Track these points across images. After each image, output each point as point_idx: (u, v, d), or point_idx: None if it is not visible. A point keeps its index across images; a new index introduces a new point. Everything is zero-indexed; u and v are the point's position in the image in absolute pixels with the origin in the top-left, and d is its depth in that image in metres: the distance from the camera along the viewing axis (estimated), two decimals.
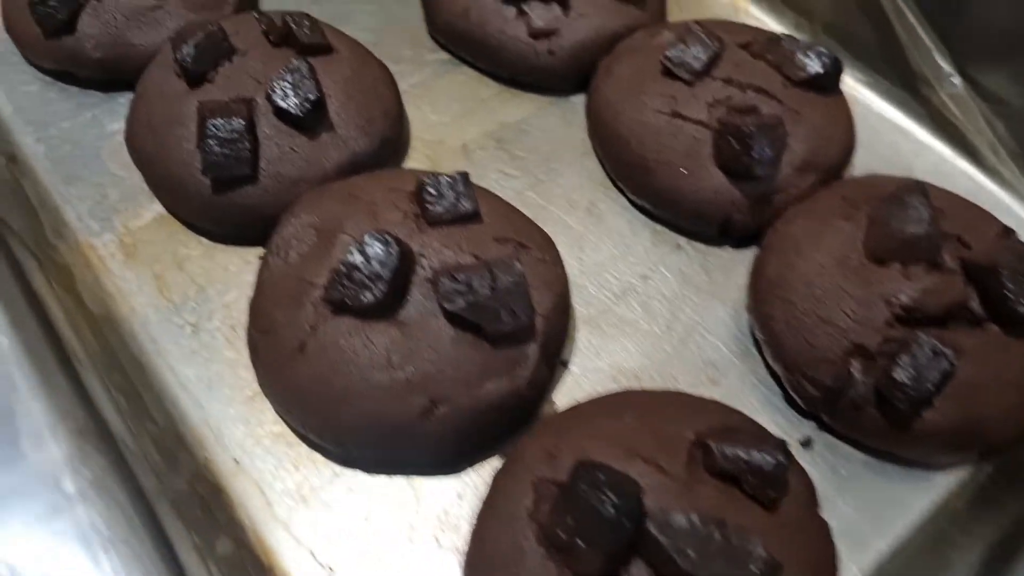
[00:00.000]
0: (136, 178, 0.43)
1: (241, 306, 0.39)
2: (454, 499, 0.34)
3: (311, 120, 0.40)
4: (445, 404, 0.33)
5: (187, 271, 0.40)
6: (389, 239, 0.33)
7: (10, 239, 0.32)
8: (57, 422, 0.26)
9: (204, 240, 0.41)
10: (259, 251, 0.41)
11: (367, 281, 0.33)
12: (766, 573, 0.26)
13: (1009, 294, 0.34)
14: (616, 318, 0.39)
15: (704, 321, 0.39)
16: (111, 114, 0.46)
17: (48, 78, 0.47)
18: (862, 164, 0.44)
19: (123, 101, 0.46)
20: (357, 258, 0.33)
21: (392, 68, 0.46)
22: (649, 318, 0.39)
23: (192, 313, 0.39)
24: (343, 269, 0.33)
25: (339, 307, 0.33)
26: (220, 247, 0.41)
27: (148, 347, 0.37)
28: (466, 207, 0.36)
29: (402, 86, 0.45)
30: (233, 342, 0.38)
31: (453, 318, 0.33)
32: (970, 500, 0.35)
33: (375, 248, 0.33)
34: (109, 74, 0.46)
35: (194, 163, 0.39)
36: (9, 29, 0.47)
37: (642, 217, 0.43)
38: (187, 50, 0.40)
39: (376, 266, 0.33)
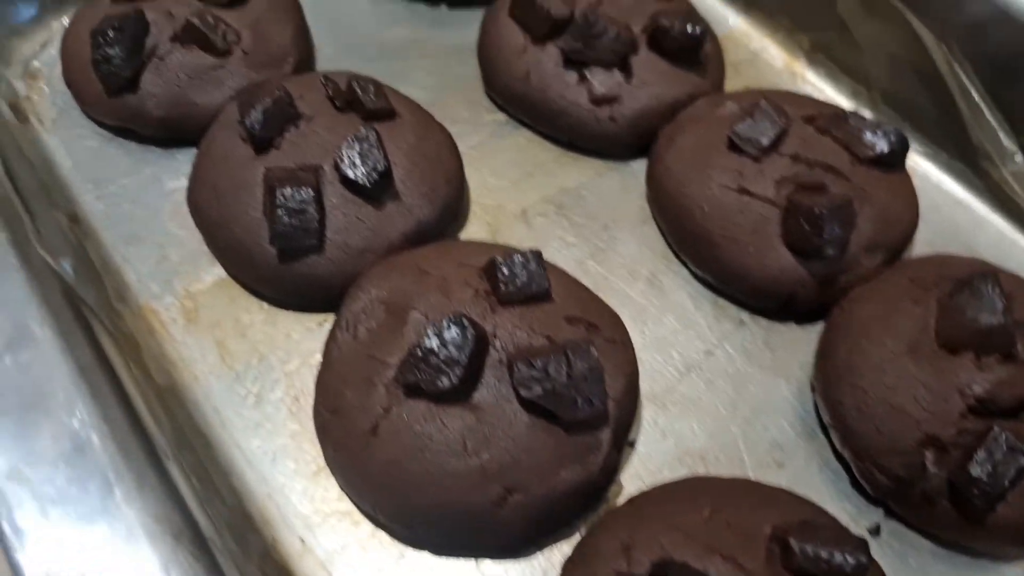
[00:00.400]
0: (196, 239, 0.43)
1: (303, 375, 0.39)
2: None
3: (378, 190, 0.39)
4: (520, 492, 0.33)
5: (249, 338, 0.40)
6: (466, 323, 0.33)
7: (85, 312, 0.32)
8: (150, 523, 0.25)
9: (265, 305, 0.41)
10: (320, 318, 0.41)
11: (443, 366, 0.33)
12: None
13: None
14: (681, 396, 0.39)
15: (769, 400, 0.39)
16: (171, 171, 0.46)
17: (108, 133, 0.47)
18: (923, 238, 0.44)
19: (182, 158, 0.46)
20: (434, 342, 0.33)
21: (450, 128, 0.46)
22: (713, 396, 0.39)
23: (255, 382, 0.39)
24: (419, 353, 0.33)
25: (414, 390, 0.33)
26: (281, 312, 0.41)
27: (212, 419, 0.37)
28: (538, 287, 0.36)
29: (461, 147, 0.45)
30: (296, 414, 0.38)
31: (528, 404, 0.33)
32: None
33: (452, 332, 0.33)
34: (170, 132, 0.46)
35: (260, 231, 0.39)
36: (70, 84, 0.47)
37: (704, 289, 0.43)
38: (255, 116, 0.40)
39: (453, 351, 0.33)
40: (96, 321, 0.32)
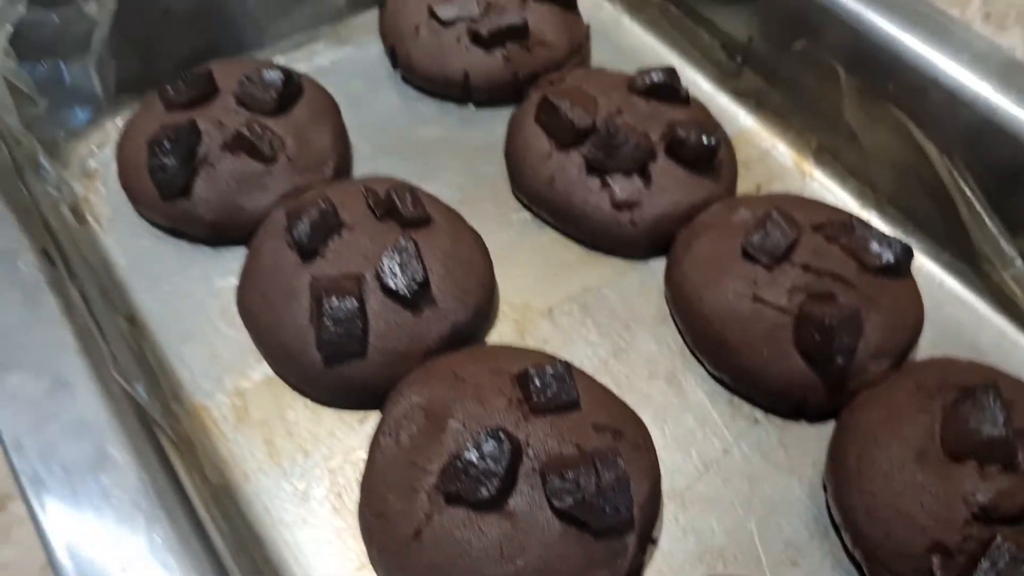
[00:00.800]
0: (244, 336, 0.46)
1: (346, 472, 0.42)
2: None
3: (417, 298, 0.42)
4: None
5: (295, 435, 0.43)
6: (503, 436, 0.36)
7: (155, 429, 0.35)
8: None
9: (309, 402, 0.44)
10: (361, 415, 0.44)
11: (482, 477, 0.35)
12: None
13: None
14: (700, 494, 0.42)
15: (783, 499, 0.42)
16: (219, 270, 0.49)
17: (160, 232, 0.50)
18: (927, 336, 0.46)
19: (230, 256, 0.49)
20: (473, 455, 0.35)
21: (479, 226, 0.49)
22: (731, 495, 0.42)
23: (301, 479, 0.41)
24: (460, 464, 0.35)
25: (454, 499, 0.36)
26: (324, 410, 0.44)
27: (263, 516, 0.40)
28: (568, 398, 0.38)
29: (490, 245, 0.48)
30: (340, 511, 0.41)
31: (560, 513, 0.35)
32: None
33: (490, 446, 0.35)
34: (219, 233, 0.49)
35: (307, 337, 0.42)
36: (126, 187, 0.50)
37: (720, 388, 0.45)
38: (302, 228, 0.43)
39: (490, 463, 0.35)
40: (162, 434, 0.35)
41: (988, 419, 0.38)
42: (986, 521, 0.36)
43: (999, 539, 0.35)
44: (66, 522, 0.30)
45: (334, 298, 0.41)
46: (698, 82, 0.60)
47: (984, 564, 0.35)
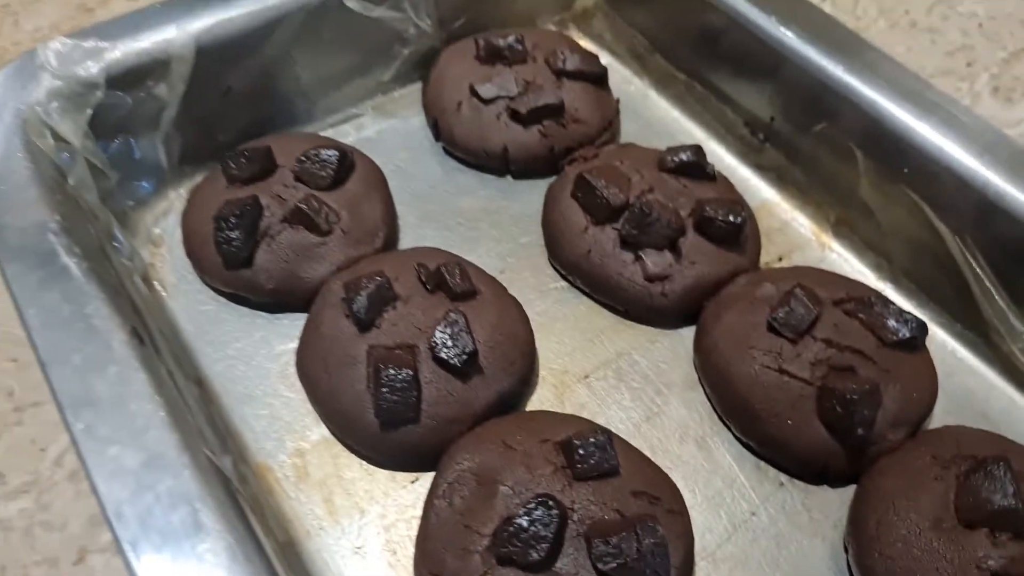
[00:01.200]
0: (301, 398, 0.49)
1: (400, 528, 0.45)
2: None
3: (466, 368, 0.46)
4: None
5: (352, 494, 0.46)
6: (551, 504, 0.39)
7: (238, 497, 0.38)
8: None
9: (364, 463, 0.47)
10: (413, 476, 0.47)
11: (532, 542, 0.38)
12: None
13: None
14: (729, 553, 0.45)
15: (807, 559, 0.45)
16: (278, 335, 0.52)
17: (221, 298, 0.54)
18: (941, 403, 0.49)
19: (287, 322, 0.53)
20: (523, 521, 0.39)
21: (518, 294, 0.52)
22: (758, 554, 0.45)
23: (358, 535, 0.45)
24: (512, 529, 0.39)
25: (506, 561, 0.39)
26: (378, 470, 0.47)
27: (324, 572, 0.43)
28: (609, 466, 0.42)
29: (529, 312, 0.52)
30: (394, 566, 0.44)
31: (604, 575, 0.39)
32: None
33: (539, 512, 0.39)
34: (277, 300, 0.53)
35: (365, 403, 0.46)
36: (191, 255, 0.54)
37: (747, 453, 0.48)
38: (360, 302, 0.47)
39: (540, 528, 0.39)
40: (241, 498, 0.38)
41: (999, 490, 0.41)
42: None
43: None
44: None
45: (391, 368, 0.45)
46: (722, 155, 0.63)
47: None
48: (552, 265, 0.57)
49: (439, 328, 0.46)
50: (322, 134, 0.62)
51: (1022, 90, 0.69)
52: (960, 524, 0.41)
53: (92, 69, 0.51)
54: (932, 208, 0.51)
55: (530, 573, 0.39)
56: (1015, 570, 0.39)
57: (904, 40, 0.73)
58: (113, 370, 0.39)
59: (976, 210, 0.49)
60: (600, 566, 0.38)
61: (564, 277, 0.56)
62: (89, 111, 0.52)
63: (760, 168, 0.62)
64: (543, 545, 0.38)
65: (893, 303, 0.48)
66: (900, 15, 0.75)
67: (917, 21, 0.74)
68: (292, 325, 0.52)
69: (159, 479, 0.36)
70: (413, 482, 0.47)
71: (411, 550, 0.43)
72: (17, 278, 0.42)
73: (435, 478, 0.44)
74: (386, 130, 0.65)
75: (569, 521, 0.40)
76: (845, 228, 0.58)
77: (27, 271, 0.42)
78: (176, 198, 0.59)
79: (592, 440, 0.42)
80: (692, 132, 0.65)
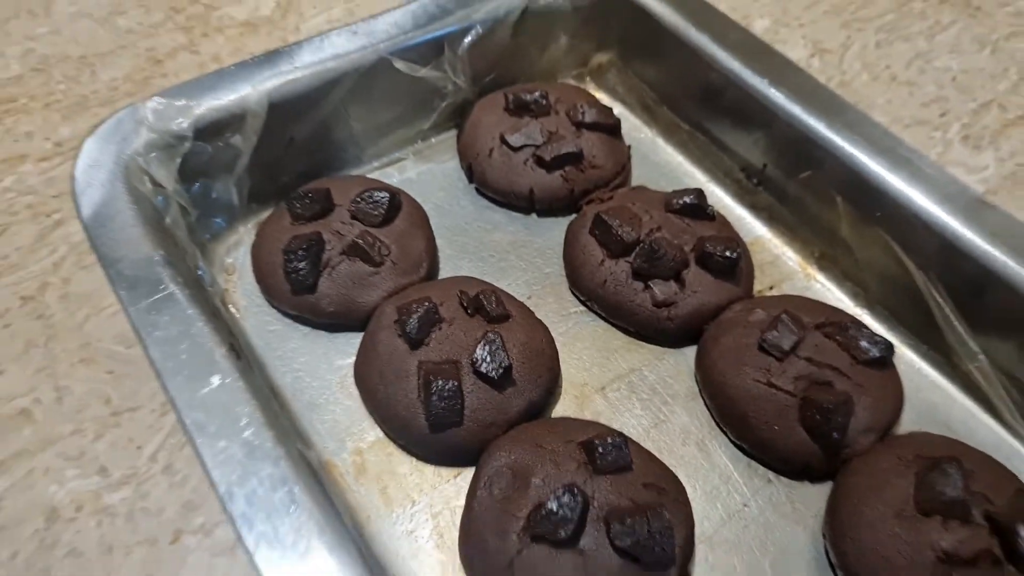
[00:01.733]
0: (358, 405, 0.58)
1: (445, 517, 0.53)
2: None
3: (502, 380, 0.54)
4: None
5: (403, 487, 0.54)
6: (576, 491, 0.47)
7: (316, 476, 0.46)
8: None
9: (414, 460, 0.56)
10: (456, 471, 0.55)
11: (560, 523, 0.46)
12: None
13: (1022, 545, 0.47)
14: (724, 539, 0.53)
15: (791, 544, 0.52)
16: (337, 352, 0.61)
17: (286, 319, 0.63)
18: (908, 415, 0.57)
19: (344, 340, 0.61)
20: (553, 505, 0.47)
21: (543, 317, 0.60)
22: (749, 540, 0.52)
23: (410, 521, 0.53)
24: (544, 512, 0.47)
25: (539, 539, 0.47)
26: (426, 466, 0.55)
27: (383, 552, 0.51)
28: (624, 463, 0.50)
29: (553, 333, 0.60)
30: (441, 547, 0.52)
31: (620, 551, 0.47)
32: None
33: (566, 498, 0.47)
34: (336, 321, 0.61)
35: (416, 409, 0.54)
36: (261, 282, 0.63)
37: (740, 454, 0.56)
38: (412, 323, 0.55)
39: (567, 511, 0.47)
40: (324, 483, 0.47)
41: (951, 484, 0.49)
42: (948, 563, 0.47)
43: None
44: (270, 552, 0.42)
45: (440, 380, 0.53)
46: (721, 196, 0.72)
47: None
48: (572, 292, 0.65)
49: (479, 346, 0.54)
50: (369, 176, 0.71)
51: (989, 138, 0.77)
52: (918, 513, 0.49)
53: (183, 124, 0.60)
54: (902, 247, 0.59)
55: (559, 548, 0.47)
56: (962, 550, 0.47)
57: (884, 92, 0.81)
58: (216, 379, 0.47)
59: (938, 249, 0.58)
60: (617, 543, 0.46)
61: (583, 303, 0.64)
62: (179, 159, 0.61)
63: (754, 208, 0.71)
64: (569, 526, 0.46)
65: (866, 327, 0.56)
66: (881, 69, 0.84)
67: (897, 75, 0.83)
68: (348, 343, 0.61)
69: (260, 467, 0.44)
70: (456, 476, 0.55)
71: (455, 533, 0.51)
72: (132, 303, 0.51)
73: (476, 472, 0.52)
74: (425, 173, 0.73)
75: (591, 507, 0.48)
76: (827, 262, 0.66)
77: (140, 297, 0.51)
78: (245, 232, 0.68)
79: (610, 441, 0.50)
80: (695, 176, 0.74)
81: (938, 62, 0.85)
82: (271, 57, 0.65)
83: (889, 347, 0.55)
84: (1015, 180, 0.73)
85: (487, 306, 0.57)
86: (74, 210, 0.56)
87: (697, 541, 0.52)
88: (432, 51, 0.70)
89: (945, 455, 0.50)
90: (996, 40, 0.87)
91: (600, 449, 0.50)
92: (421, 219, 0.66)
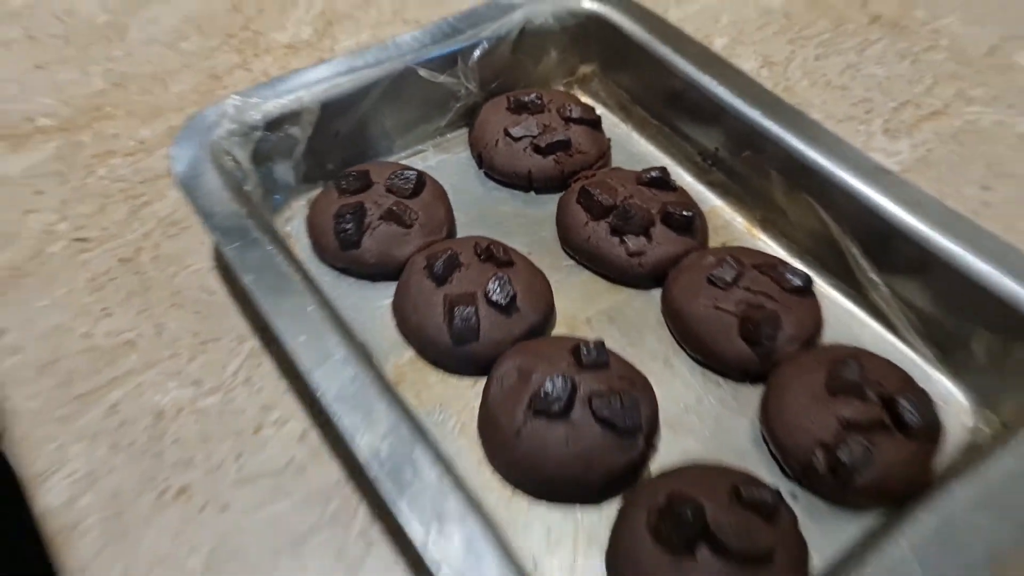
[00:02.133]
0: (395, 333, 0.73)
1: (466, 412, 0.68)
2: (597, 520, 0.62)
3: (509, 308, 0.70)
4: (598, 466, 0.61)
5: (434, 392, 0.70)
6: (565, 378, 0.62)
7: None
8: None
9: (440, 372, 0.71)
10: (474, 380, 0.70)
11: (555, 400, 0.62)
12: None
13: (903, 413, 0.62)
14: (684, 424, 0.68)
15: (734, 429, 0.67)
16: (378, 295, 0.76)
17: (335, 272, 0.78)
18: (827, 337, 0.73)
19: (383, 287, 0.76)
20: (548, 387, 0.62)
21: (542, 268, 0.76)
22: (703, 427, 0.67)
23: (439, 416, 0.67)
24: (542, 394, 0.62)
25: (538, 413, 0.62)
26: (450, 376, 0.70)
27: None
28: (602, 361, 0.65)
29: (549, 279, 0.76)
30: (464, 434, 0.66)
31: (600, 420, 0.62)
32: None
33: (559, 382, 0.62)
34: (376, 271, 0.77)
35: (443, 330, 0.69)
36: (314, 241, 0.78)
37: (696, 365, 0.71)
38: (439, 266, 0.71)
39: (559, 392, 0.62)
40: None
41: (852, 372, 0.64)
42: (848, 428, 0.62)
43: (853, 436, 0.61)
44: (349, 421, 0.57)
45: (461, 307, 0.69)
46: (682, 174, 0.88)
47: (843, 449, 0.61)
48: (564, 250, 0.81)
49: (491, 282, 0.70)
50: (399, 163, 0.87)
51: (905, 130, 0.94)
52: (828, 395, 0.64)
53: (255, 117, 0.77)
54: (824, 209, 0.75)
55: (553, 420, 0.62)
56: (859, 418, 0.62)
57: (821, 94, 0.98)
58: (309, 308, 0.63)
59: (854, 211, 0.72)
60: (597, 414, 0.61)
61: (572, 257, 0.80)
62: (252, 146, 0.77)
63: (710, 184, 0.86)
64: (561, 402, 0.62)
65: (791, 265, 0.72)
66: (819, 76, 1.01)
67: (831, 80, 1.00)
68: (386, 288, 0.76)
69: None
70: (474, 385, 0.70)
71: (475, 425, 0.66)
72: (227, 244, 0.66)
73: (489, 376, 0.67)
74: (443, 161, 0.89)
75: (577, 391, 0.63)
76: (768, 224, 0.82)
77: (233, 241, 0.67)
78: (297, 207, 0.83)
79: (592, 345, 0.65)
80: (662, 160, 0.89)
81: (866, 71, 1.02)
82: (321, 66, 0.82)
83: (808, 278, 0.71)
84: (925, 163, 0.90)
85: (496, 254, 0.73)
86: (158, 193, 0.72)
87: (664, 425, 0.67)
88: (448, 62, 0.87)
89: (849, 354, 0.66)
90: (916, 52, 1.05)
91: (584, 351, 0.65)
92: (441, 194, 0.82)
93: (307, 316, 0.62)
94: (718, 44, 1.05)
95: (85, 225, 0.82)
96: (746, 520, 0.56)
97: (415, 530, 0.51)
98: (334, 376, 0.58)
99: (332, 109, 0.81)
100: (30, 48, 1.03)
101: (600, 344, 0.66)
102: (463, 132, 0.90)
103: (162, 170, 0.87)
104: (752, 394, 0.70)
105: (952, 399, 0.69)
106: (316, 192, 0.83)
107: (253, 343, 0.73)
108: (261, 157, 0.79)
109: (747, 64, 1.02)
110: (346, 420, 0.56)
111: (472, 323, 0.68)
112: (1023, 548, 0.52)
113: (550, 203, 0.84)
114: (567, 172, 0.85)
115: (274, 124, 0.78)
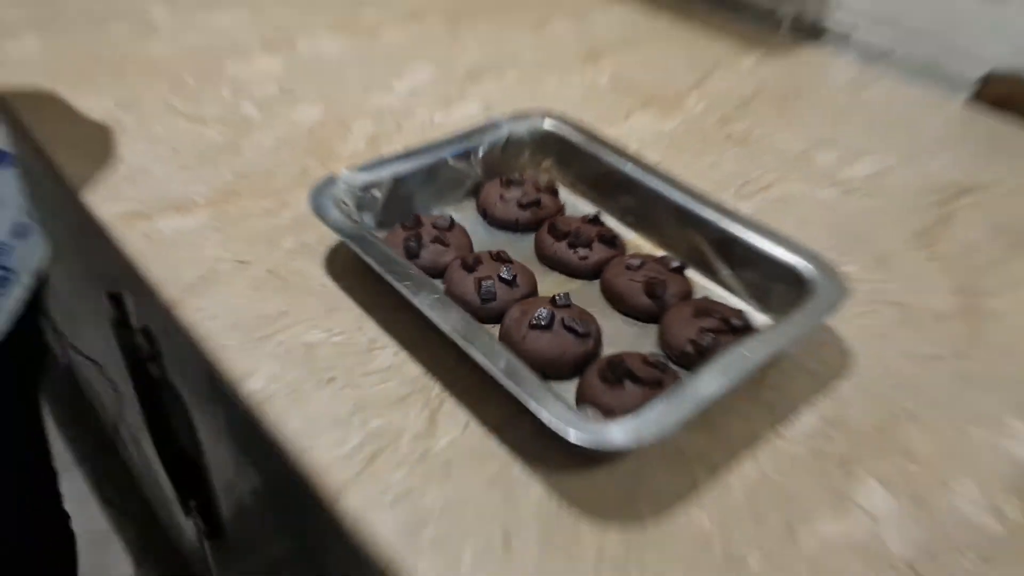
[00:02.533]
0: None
1: None
2: (569, 386, 1.10)
3: (512, 283, 1.21)
4: (568, 355, 1.10)
5: None
6: (549, 309, 1.13)
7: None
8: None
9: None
10: (492, 326, 1.20)
11: (543, 320, 1.12)
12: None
13: (733, 321, 1.13)
14: (615, 344, 1.18)
15: (649, 340, 1.18)
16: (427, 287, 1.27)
17: None
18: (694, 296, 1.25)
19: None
20: (539, 314, 1.12)
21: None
22: (626, 344, 1.18)
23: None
24: (534, 319, 1.12)
25: (533, 327, 1.12)
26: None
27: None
28: (568, 303, 1.16)
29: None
30: None
31: (568, 329, 1.11)
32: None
33: (544, 312, 1.12)
34: (430, 273, 1.28)
35: (474, 296, 1.19)
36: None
37: (620, 315, 1.22)
38: (470, 261, 1.23)
39: (545, 316, 1.12)
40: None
41: (707, 304, 1.16)
42: (703, 332, 1.13)
43: (706, 335, 1.12)
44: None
45: (485, 281, 1.19)
46: (609, 219, 1.42)
47: (703, 339, 1.11)
48: (540, 262, 1.33)
49: (500, 271, 1.21)
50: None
51: (748, 196, 1.51)
52: (693, 317, 1.16)
53: (357, 182, 1.29)
54: (695, 231, 1.30)
55: (541, 330, 1.12)
56: (711, 326, 1.14)
57: (696, 178, 1.56)
58: (412, 271, 1.13)
59: (709, 230, 1.28)
60: (567, 325, 1.11)
61: (544, 264, 1.32)
62: (356, 199, 1.29)
63: (626, 223, 1.38)
64: (545, 320, 1.12)
65: (673, 258, 1.26)
66: (696, 171, 1.59)
67: (703, 170, 1.58)
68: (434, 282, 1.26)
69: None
70: (492, 328, 1.20)
71: None
72: (357, 245, 1.17)
73: (503, 317, 1.17)
74: (461, 216, 1.42)
75: (555, 317, 1.13)
76: (660, 241, 1.33)
77: (358, 245, 1.17)
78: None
79: (561, 295, 1.16)
80: (594, 209, 1.44)
81: (724, 165, 1.60)
82: (390, 158, 1.36)
83: (682, 265, 1.25)
84: (759, 213, 1.46)
85: (502, 256, 1.25)
86: (283, 235, 1.24)
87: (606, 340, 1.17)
88: (464, 157, 1.41)
89: (707, 300, 1.19)
90: (754, 154, 1.64)
91: (557, 299, 1.16)
92: (464, 230, 1.34)
93: (414, 277, 1.12)
94: (632, 147, 1.63)
95: (241, 252, 1.32)
96: (650, 369, 1.06)
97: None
98: (447, 318, 1.08)
99: (398, 182, 1.34)
100: (174, 157, 1.56)
101: (566, 294, 1.17)
102: (471, 201, 1.42)
103: (284, 220, 1.38)
104: (652, 329, 1.21)
105: (759, 319, 1.21)
106: (388, 232, 1.35)
107: (359, 311, 1.22)
108: (358, 208, 1.31)
109: (651, 159, 1.59)
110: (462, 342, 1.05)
111: (492, 290, 1.19)
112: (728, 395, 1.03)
113: (529, 239, 1.37)
114: (539, 219, 1.39)
115: (366, 187, 1.31)
